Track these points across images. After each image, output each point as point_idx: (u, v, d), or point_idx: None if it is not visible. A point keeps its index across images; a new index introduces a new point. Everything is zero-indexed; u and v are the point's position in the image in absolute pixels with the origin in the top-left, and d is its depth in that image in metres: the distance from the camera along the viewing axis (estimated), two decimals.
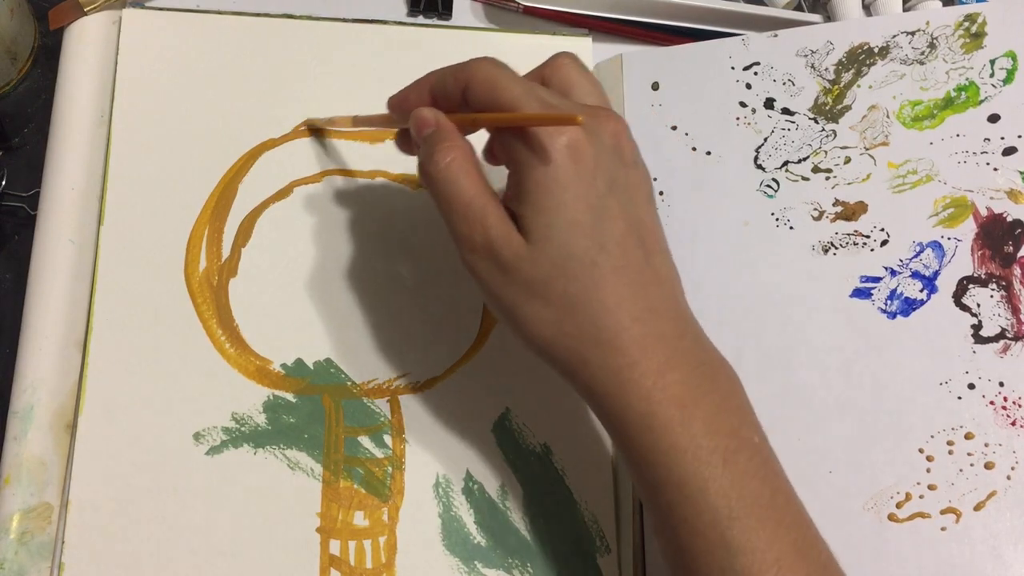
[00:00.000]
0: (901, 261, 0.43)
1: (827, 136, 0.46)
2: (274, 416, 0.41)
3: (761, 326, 0.43)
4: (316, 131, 0.46)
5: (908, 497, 0.40)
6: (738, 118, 0.47)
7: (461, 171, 0.32)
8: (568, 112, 0.31)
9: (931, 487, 0.40)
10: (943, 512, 0.39)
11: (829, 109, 0.46)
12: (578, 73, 0.34)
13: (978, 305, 0.42)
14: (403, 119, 0.36)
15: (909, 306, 0.42)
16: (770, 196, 0.45)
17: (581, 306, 0.31)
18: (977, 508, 0.39)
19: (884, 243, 0.43)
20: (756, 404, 0.42)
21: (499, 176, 0.33)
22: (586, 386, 0.32)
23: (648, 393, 0.30)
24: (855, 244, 0.44)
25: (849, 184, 0.45)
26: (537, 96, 0.31)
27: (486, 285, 0.32)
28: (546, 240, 0.31)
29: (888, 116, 0.45)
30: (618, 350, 0.30)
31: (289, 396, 0.42)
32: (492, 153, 0.35)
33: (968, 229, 0.43)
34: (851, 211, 0.44)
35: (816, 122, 0.46)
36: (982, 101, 0.44)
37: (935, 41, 0.46)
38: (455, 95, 0.33)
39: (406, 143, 0.38)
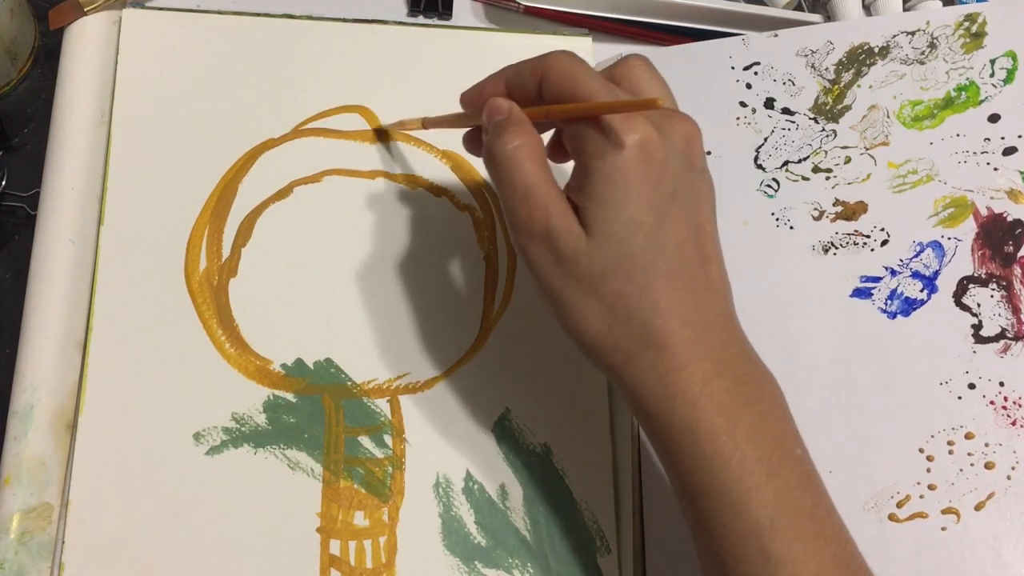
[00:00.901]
0: (901, 261, 0.43)
1: (827, 136, 0.46)
2: (274, 416, 0.41)
3: (761, 326, 0.43)
4: (381, 134, 0.46)
5: (908, 497, 0.40)
6: (738, 118, 0.47)
7: (528, 156, 0.31)
8: (648, 99, 0.30)
9: (931, 487, 0.40)
10: (943, 512, 0.39)
11: (829, 109, 0.46)
12: (648, 75, 0.33)
13: (978, 305, 0.42)
14: (475, 116, 0.35)
15: (909, 306, 0.42)
16: (770, 196, 0.45)
17: (633, 306, 0.30)
18: (977, 508, 0.39)
19: (884, 243, 0.43)
20: None
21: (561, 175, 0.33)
22: (629, 386, 0.31)
23: (694, 399, 0.30)
24: (855, 244, 0.44)
25: (849, 184, 0.45)
26: (612, 92, 0.31)
27: (539, 273, 0.32)
28: (606, 235, 0.30)
29: (888, 116, 0.45)
30: (666, 353, 0.30)
31: (289, 396, 0.42)
32: (556, 150, 0.35)
33: (968, 229, 0.43)
34: (851, 211, 0.44)
35: (816, 122, 0.46)
36: (982, 101, 0.44)
37: (935, 41, 0.46)
38: (531, 87, 0.33)
39: (475, 143, 0.38)
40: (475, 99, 0.35)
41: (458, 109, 0.48)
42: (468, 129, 0.39)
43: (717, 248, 0.33)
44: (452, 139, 0.47)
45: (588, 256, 0.31)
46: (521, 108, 0.33)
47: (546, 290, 0.32)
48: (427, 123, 0.42)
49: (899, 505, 0.40)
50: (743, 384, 0.31)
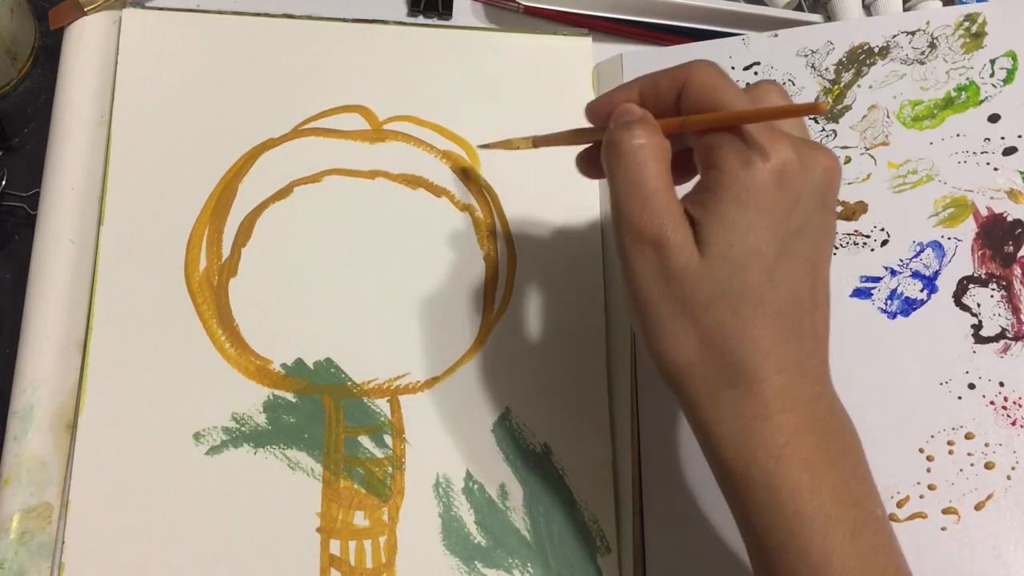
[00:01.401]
0: (901, 261, 0.43)
1: (827, 136, 0.46)
2: (274, 416, 0.41)
3: None
4: (483, 150, 0.46)
5: (908, 497, 0.40)
6: None
7: (652, 158, 0.29)
8: (809, 104, 0.28)
9: (931, 487, 0.40)
10: (943, 512, 0.39)
11: (829, 109, 0.46)
12: (784, 103, 0.32)
13: (978, 305, 0.42)
14: (596, 131, 0.34)
15: (909, 306, 0.42)
16: None
17: (732, 341, 0.28)
18: (977, 508, 0.39)
19: (884, 243, 0.43)
20: None
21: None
22: (706, 426, 0.29)
23: (779, 451, 0.28)
24: (855, 244, 0.44)
25: (849, 184, 0.45)
26: (757, 106, 0.29)
27: (637, 284, 0.29)
28: (722, 260, 0.28)
29: (888, 116, 0.45)
30: (756, 398, 0.28)
31: (289, 396, 0.42)
32: (676, 169, 0.32)
33: (968, 229, 0.43)
34: (851, 211, 0.44)
35: (816, 122, 0.46)
36: (982, 101, 0.44)
37: (935, 41, 0.46)
38: (668, 97, 0.31)
39: (589, 163, 0.36)
40: (604, 109, 0.33)
41: (456, 108, 0.48)
42: (585, 147, 0.36)
43: (828, 294, 0.31)
44: (452, 139, 0.47)
45: (697, 279, 0.28)
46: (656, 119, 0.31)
47: (639, 303, 0.30)
48: (538, 142, 0.40)
49: (899, 505, 0.40)
50: (830, 440, 0.29)
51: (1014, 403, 0.40)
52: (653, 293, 0.29)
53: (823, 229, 0.30)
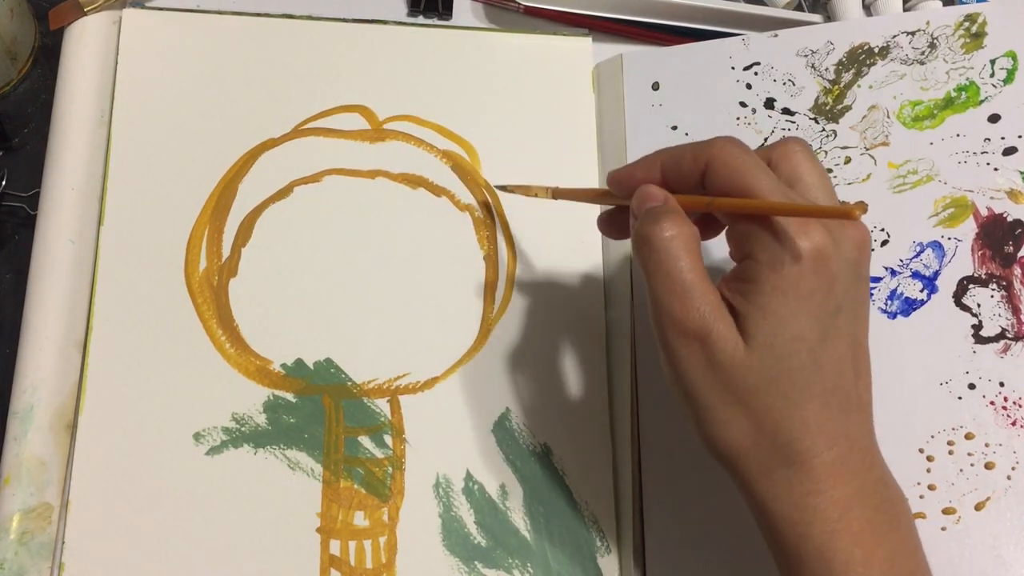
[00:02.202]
0: (901, 261, 0.43)
1: (827, 136, 0.46)
2: (274, 416, 0.41)
3: None
4: (501, 190, 0.46)
5: (908, 497, 0.40)
6: (738, 118, 0.47)
7: (684, 248, 0.30)
8: (843, 207, 0.28)
9: (931, 487, 0.40)
10: (943, 512, 0.39)
11: (829, 109, 0.46)
12: (809, 165, 0.32)
13: (978, 305, 0.42)
14: (617, 196, 0.34)
15: (909, 306, 0.42)
16: None
17: (783, 423, 0.29)
18: (977, 508, 0.39)
19: (884, 243, 0.43)
20: None
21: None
22: (762, 503, 0.30)
23: (832, 525, 0.29)
24: None
25: (849, 184, 0.45)
26: (784, 193, 0.29)
27: (685, 376, 0.30)
28: (767, 349, 0.29)
29: (888, 116, 0.45)
30: (808, 474, 0.29)
31: (289, 396, 0.42)
32: (702, 228, 0.33)
33: (968, 229, 0.43)
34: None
35: (816, 122, 0.46)
36: (982, 101, 0.44)
37: (935, 41, 0.46)
38: (691, 176, 0.31)
39: (613, 224, 0.36)
40: (625, 181, 0.33)
41: (456, 108, 0.48)
42: (607, 209, 0.37)
43: (868, 361, 0.32)
44: (452, 139, 0.47)
45: (745, 368, 0.29)
46: (679, 195, 0.31)
47: (688, 392, 0.30)
48: (557, 193, 0.40)
49: None
50: (882, 512, 0.30)
51: (1014, 403, 0.40)
52: (702, 383, 0.30)
53: (860, 301, 0.31)
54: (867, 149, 0.45)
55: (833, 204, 0.32)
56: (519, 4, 0.49)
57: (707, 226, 0.34)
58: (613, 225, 0.36)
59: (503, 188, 0.45)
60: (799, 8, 0.52)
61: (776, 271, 0.29)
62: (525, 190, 0.42)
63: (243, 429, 0.41)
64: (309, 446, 0.41)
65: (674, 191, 0.32)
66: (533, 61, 0.49)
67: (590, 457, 0.43)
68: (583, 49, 0.50)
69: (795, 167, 0.32)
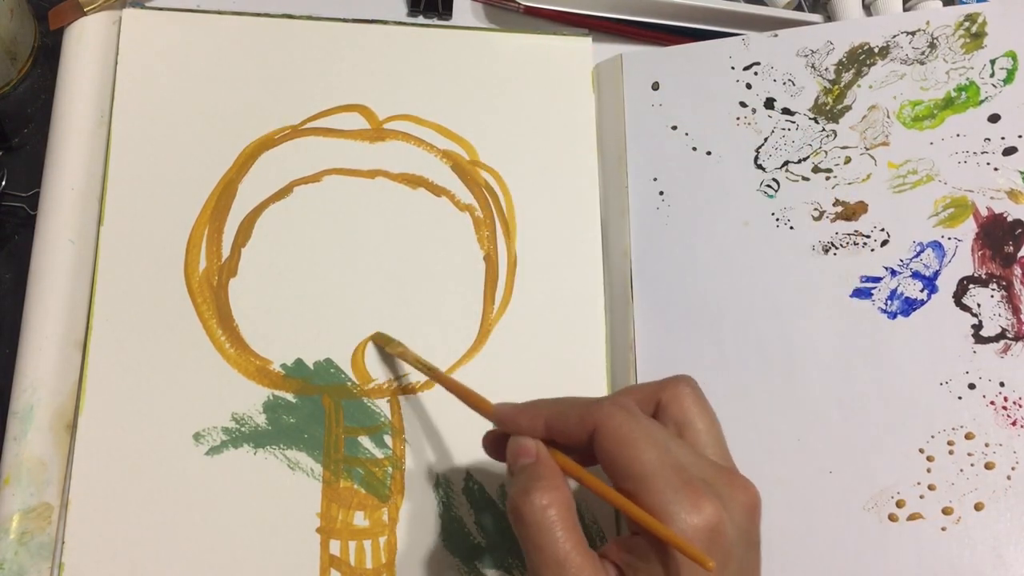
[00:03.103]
0: (901, 261, 0.43)
1: (827, 136, 0.46)
2: (274, 416, 0.41)
3: (761, 326, 0.43)
4: (379, 343, 0.43)
5: (908, 497, 0.40)
6: (738, 118, 0.47)
7: (559, 520, 0.29)
8: (701, 554, 0.27)
9: (931, 487, 0.40)
10: (943, 512, 0.39)
11: (829, 109, 0.46)
12: (698, 409, 0.32)
13: (978, 305, 0.42)
14: (502, 425, 0.34)
15: (909, 306, 0.42)
16: (770, 196, 0.45)
17: None
18: (977, 508, 0.39)
19: (884, 243, 0.43)
20: (757, 405, 0.42)
21: None
22: None
23: None
24: (855, 244, 0.44)
25: (849, 184, 0.45)
26: (672, 462, 0.29)
27: None
28: None
29: (888, 116, 0.45)
30: None
31: (289, 396, 0.42)
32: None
33: (968, 229, 0.43)
34: (851, 211, 0.44)
35: (816, 122, 0.46)
36: (982, 101, 0.44)
37: (935, 41, 0.46)
38: (577, 436, 0.31)
39: (493, 445, 0.35)
40: (508, 425, 0.33)
41: (456, 108, 0.48)
42: (493, 430, 0.35)
43: None
44: (452, 139, 0.47)
45: None
46: (557, 450, 0.31)
47: None
48: (436, 376, 0.39)
49: (899, 505, 0.40)
50: None
51: (1014, 403, 0.40)
52: None
53: (750, 566, 0.30)
54: (867, 149, 0.45)
55: (721, 452, 0.31)
56: (519, 4, 0.49)
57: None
58: (494, 444, 0.35)
59: (375, 340, 0.43)
60: (799, 8, 0.52)
61: (667, 552, 0.28)
62: (400, 354, 0.41)
63: (243, 429, 0.41)
64: (309, 446, 0.41)
65: (558, 441, 0.31)
66: (533, 61, 0.49)
67: None
68: (583, 49, 0.50)
69: (685, 411, 0.31)
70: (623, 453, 0.29)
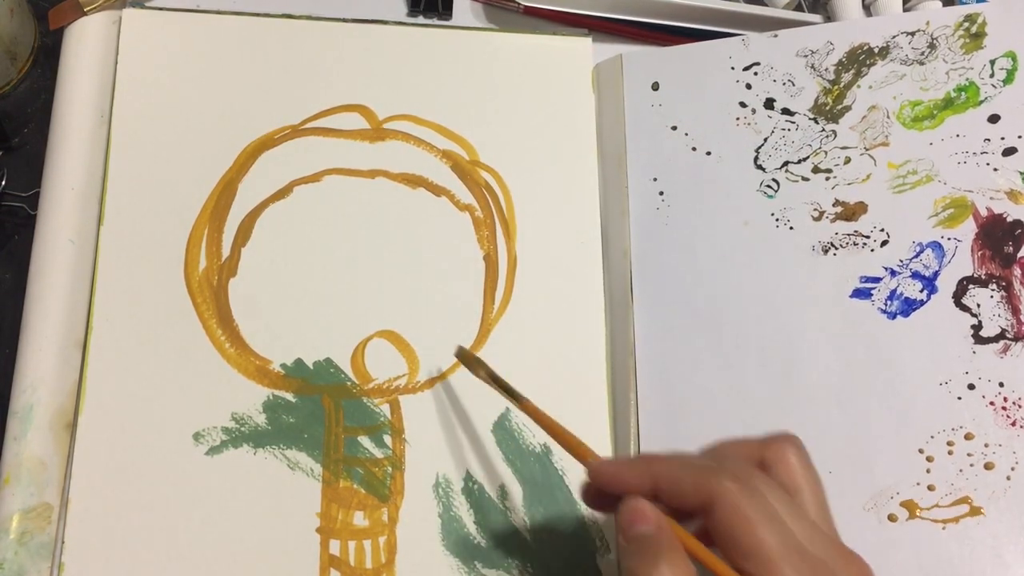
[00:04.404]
0: (901, 261, 0.43)
1: (827, 136, 0.46)
2: (274, 416, 0.41)
3: (761, 326, 0.43)
4: (468, 362, 0.40)
5: (908, 497, 0.40)
6: (738, 118, 0.47)
7: None
8: None
9: (931, 487, 0.40)
10: (943, 512, 0.39)
11: (829, 109, 0.46)
12: (805, 474, 0.30)
13: (978, 305, 0.42)
14: (603, 484, 0.31)
15: (909, 306, 0.42)
16: (770, 196, 0.45)
17: None
18: (977, 508, 0.39)
19: (884, 243, 0.43)
20: (757, 405, 0.42)
21: None
22: None
23: None
24: (855, 244, 0.44)
25: (849, 184, 0.45)
26: (795, 544, 0.27)
27: None
28: None
29: (888, 116, 0.45)
30: None
31: (289, 396, 0.42)
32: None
33: (968, 229, 0.43)
34: (851, 211, 0.44)
35: (816, 122, 0.46)
36: (982, 101, 0.44)
37: (935, 41, 0.46)
38: (688, 504, 0.29)
39: (594, 495, 0.33)
40: (610, 483, 0.31)
41: (456, 108, 0.48)
42: (586, 481, 0.32)
43: None
44: (452, 138, 0.47)
45: None
46: (671, 518, 0.29)
47: None
48: (526, 408, 0.36)
49: (899, 505, 0.40)
50: None
51: (1014, 403, 0.40)
52: None
53: None
54: (867, 149, 0.45)
55: (826, 520, 0.30)
56: (519, 4, 0.49)
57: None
58: (594, 495, 0.33)
59: (461, 355, 0.40)
60: (799, 8, 0.52)
61: None
62: (497, 384, 0.38)
63: (243, 429, 0.41)
64: (309, 446, 0.41)
65: (667, 507, 0.29)
66: (533, 61, 0.49)
67: None
68: (583, 49, 0.50)
69: (792, 475, 0.30)
70: (744, 534, 0.27)
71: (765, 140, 0.46)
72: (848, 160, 0.45)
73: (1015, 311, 0.41)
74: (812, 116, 0.46)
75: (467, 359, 0.39)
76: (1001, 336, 0.41)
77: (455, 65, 0.48)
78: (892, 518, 0.40)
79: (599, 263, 0.46)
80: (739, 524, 0.27)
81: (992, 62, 0.45)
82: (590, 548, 0.41)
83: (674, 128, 0.47)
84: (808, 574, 0.27)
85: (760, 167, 0.46)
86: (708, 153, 0.46)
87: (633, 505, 0.29)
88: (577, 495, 0.42)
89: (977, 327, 0.41)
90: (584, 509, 0.42)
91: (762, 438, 0.31)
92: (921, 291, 0.42)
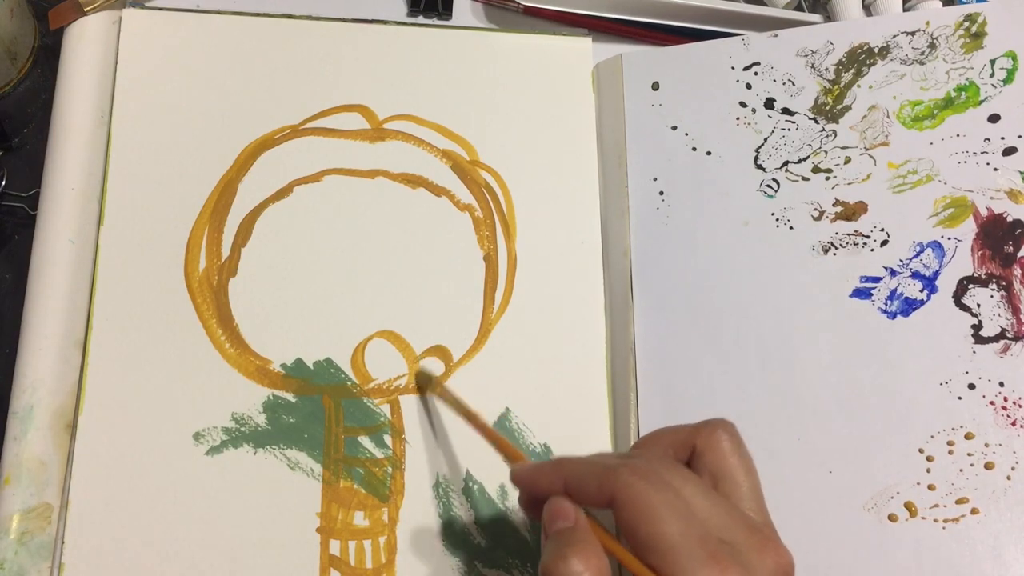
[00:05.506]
0: (901, 261, 0.43)
1: (827, 136, 0.46)
2: (274, 416, 0.41)
3: (761, 326, 0.43)
4: (421, 383, 0.43)
5: (908, 497, 0.40)
6: (738, 118, 0.47)
7: None
8: None
9: (931, 487, 0.40)
10: (943, 512, 0.39)
11: (829, 109, 0.46)
12: (737, 460, 0.30)
13: (978, 305, 0.42)
14: (520, 486, 0.32)
15: (909, 306, 0.42)
16: (770, 196, 0.45)
17: None
18: (977, 508, 0.39)
19: (884, 243, 0.43)
20: (757, 404, 0.42)
21: None
22: None
23: None
24: (855, 244, 0.44)
25: (849, 184, 0.45)
26: (697, 532, 0.27)
27: None
28: None
29: (888, 116, 0.45)
30: None
31: (289, 396, 0.42)
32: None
33: (968, 229, 0.43)
34: (851, 211, 0.44)
35: (816, 122, 0.46)
36: (982, 101, 0.44)
37: (935, 41, 0.46)
38: (596, 501, 0.29)
39: (526, 502, 0.33)
40: (528, 487, 0.32)
41: (456, 108, 0.48)
42: (521, 487, 0.33)
43: None
44: (452, 138, 0.47)
45: None
46: (586, 506, 0.30)
47: None
48: (477, 423, 0.38)
49: (899, 505, 0.40)
50: None
51: (1014, 403, 0.40)
52: None
53: None
54: (867, 149, 0.45)
55: (758, 506, 0.30)
56: (519, 4, 0.49)
57: None
58: (529, 501, 0.33)
59: (419, 377, 0.43)
60: (799, 8, 0.52)
61: None
62: (441, 390, 0.41)
63: (243, 429, 0.41)
64: (309, 446, 0.41)
65: (578, 503, 0.30)
66: (533, 61, 0.49)
67: None
68: (583, 49, 0.50)
69: (721, 461, 0.30)
70: (644, 526, 0.28)
71: (765, 140, 0.46)
72: (848, 160, 0.45)
73: (1015, 311, 0.41)
74: (812, 116, 0.46)
75: (423, 379, 0.42)
76: (1001, 336, 0.41)
77: (455, 65, 0.48)
78: (892, 518, 0.40)
79: (599, 263, 0.46)
80: (637, 518, 0.28)
81: (992, 62, 0.45)
82: None
83: (674, 128, 0.47)
84: (707, 561, 0.27)
85: (760, 167, 0.46)
86: (708, 153, 0.46)
87: (553, 503, 0.30)
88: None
89: (977, 327, 0.41)
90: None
91: (694, 425, 0.32)
92: (921, 291, 0.42)
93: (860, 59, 0.46)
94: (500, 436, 0.36)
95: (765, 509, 0.31)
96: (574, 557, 0.28)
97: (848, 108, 0.46)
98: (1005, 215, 0.43)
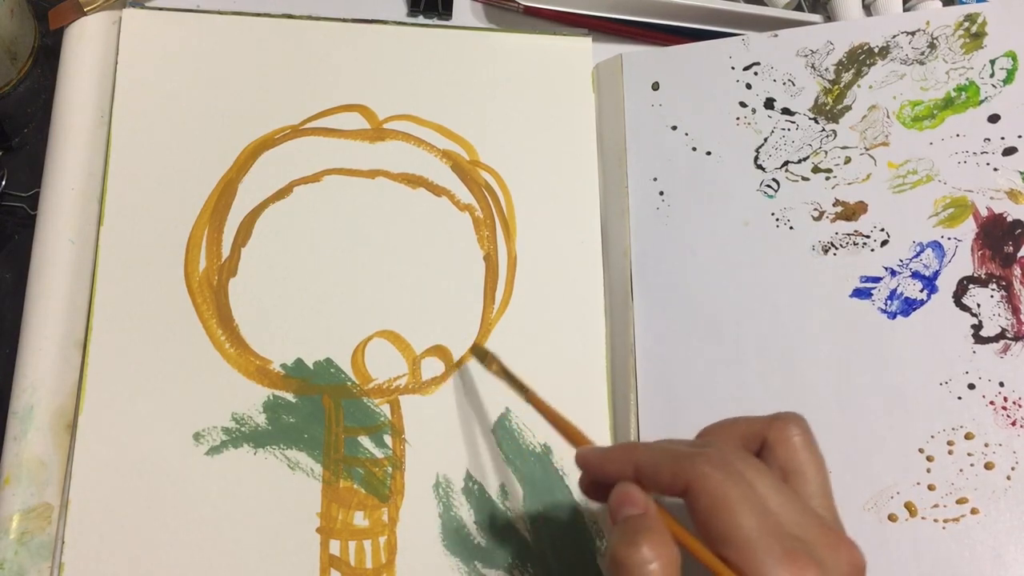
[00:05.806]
0: (901, 261, 0.43)
1: (827, 136, 0.46)
2: (274, 416, 0.41)
3: (761, 326, 0.43)
4: (481, 356, 0.43)
5: (908, 497, 0.40)
6: (738, 118, 0.47)
7: None
8: None
9: (931, 487, 0.40)
10: (943, 512, 0.39)
11: (829, 109, 0.46)
12: (807, 455, 0.30)
13: (978, 305, 0.42)
14: (587, 471, 0.32)
15: (909, 306, 0.42)
16: (770, 196, 0.45)
17: None
18: (977, 508, 0.39)
19: (884, 243, 0.43)
20: (757, 404, 0.42)
21: None
22: None
23: None
24: (855, 244, 0.44)
25: (849, 184, 0.45)
26: (772, 528, 0.27)
27: None
28: None
29: (888, 116, 0.45)
30: None
31: (289, 396, 0.42)
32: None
33: (968, 229, 0.43)
34: (851, 211, 0.44)
35: (816, 122, 0.46)
36: (982, 101, 0.44)
37: (935, 41, 0.46)
38: (668, 489, 0.29)
39: (588, 485, 0.33)
40: (595, 470, 0.31)
41: (456, 108, 0.48)
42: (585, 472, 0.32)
43: None
44: (452, 139, 0.47)
45: None
46: (657, 496, 0.29)
47: None
48: (531, 398, 0.38)
49: (899, 505, 0.40)
50: None
51: (1014, 403, 0.40)
52: None
53: None
54: (867, 149, 0.45)
55: (828, 503, 0.30)
56: (519, 4, 0.49)
57: None
58: (591, 485, 0.33)
59: (478, 352, 0.43)
60: (799, 8, 0.52)
61: None
62: (507, 377, 0.40)
63: (243, 429, 0.41)
64: (309, 446, 0.41)
65: (646, 489, 0.30)
66: (533, 61, 0.49)
67: None
68: (583, 49, 0.50)
69: (793, 456, 0.30)
70: (719, 518, 0.27)
71: (765, 140, 0.46)
72: (848, 160, 0.45)
73: (1015, 311, 0.41)
74: (812, 116, 0.46)
75: (480, 354, 0.42)
76: (1001, 336, 0.41)
77: (455, 65, 0.48)
78: (892, 518, 0.40)
79: (599, 263, 0.46)
80: (713, 510, 0.27)
81: (992, 62, 0.45)
82: (590, 548, 0.41)
83: (674, 128, 0.47)
84: (783, 559, 0.26)
85: (760, 167, 0.46)
86: (708, 153, 0.46)
87: (622, 489, 0.29)
88: (577, 494, 0.42)
89: (977, 327, 0.41)
90: (584, 509, 0.42)
91: (766, 417, 0.31)
92: (921, 291, 0.42)
93: (860, 59, 0.46)
94: (562, 417, 0.35)
95: (834, 507, 0.30)
96: (645, 545, 0.27)
97: (848, 108, 0.46)
98: (1005, 215, 0.43)
